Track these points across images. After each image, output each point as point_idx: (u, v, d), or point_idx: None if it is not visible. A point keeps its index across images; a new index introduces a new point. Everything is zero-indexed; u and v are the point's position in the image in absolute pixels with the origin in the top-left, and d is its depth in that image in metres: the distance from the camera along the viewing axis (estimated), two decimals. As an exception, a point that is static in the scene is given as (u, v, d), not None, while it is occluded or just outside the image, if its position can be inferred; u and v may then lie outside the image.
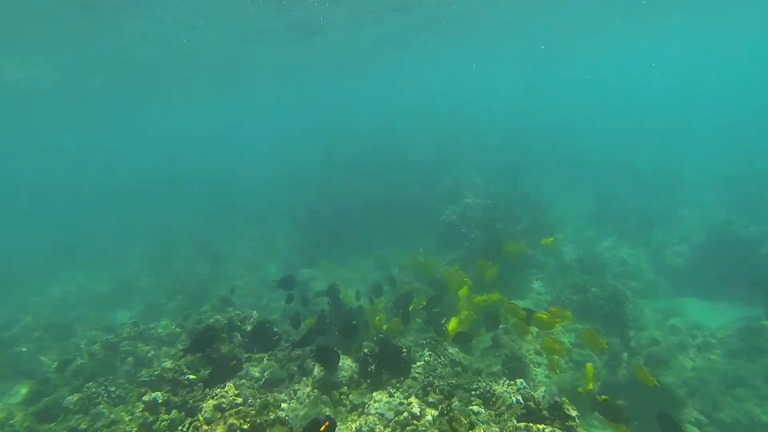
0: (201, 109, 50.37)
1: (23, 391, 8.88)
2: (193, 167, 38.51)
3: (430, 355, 8.38)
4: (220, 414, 4.39)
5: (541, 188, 20.90)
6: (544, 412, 5.19)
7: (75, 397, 7.27)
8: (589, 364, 7.11)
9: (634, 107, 56.16)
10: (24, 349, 11.01)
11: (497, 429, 5.16)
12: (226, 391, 4.63)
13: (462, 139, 29.97)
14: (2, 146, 46.17)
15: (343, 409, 6.36)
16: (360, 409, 6.34)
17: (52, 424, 6.90)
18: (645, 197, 20.68)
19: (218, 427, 4.28)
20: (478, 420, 5.48)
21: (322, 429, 4.23)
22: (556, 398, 5.26)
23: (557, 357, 7.86)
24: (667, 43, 41.65)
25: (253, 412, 4.46)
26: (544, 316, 7.52)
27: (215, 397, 4.53)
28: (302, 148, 34.80)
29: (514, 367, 8.01)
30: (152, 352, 8.65)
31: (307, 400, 7.10)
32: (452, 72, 53.00)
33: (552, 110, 55.24)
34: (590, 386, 6.80)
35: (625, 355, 8.92)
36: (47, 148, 56.81)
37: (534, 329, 8.32)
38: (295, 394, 7.32)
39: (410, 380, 6.80)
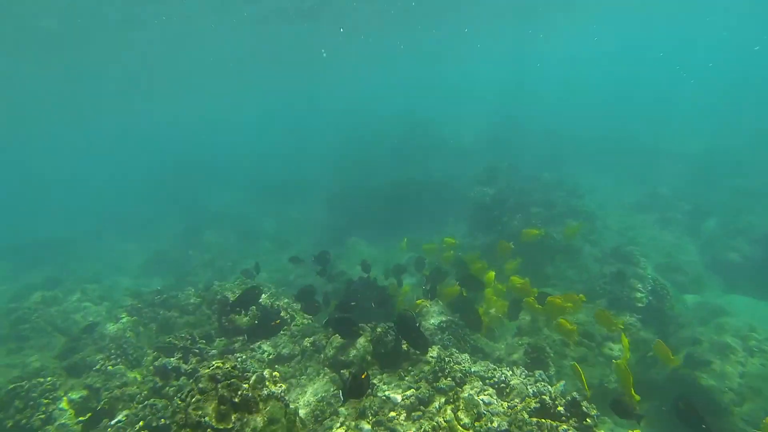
0: (246, 91, 51.33)
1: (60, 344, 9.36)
2: (232, 149, 39.60)
3: (449, 338, 8.03)
4: (213, 385, 4.28)
5: (582, 174, 19.66)
6: (559, 408, 4.75)
7: (97, 356, 7.55)
8: (623, 334, 6.61)
9: (669, 87, 51.22)
10: (64, 307, 11.66)
11: (506, 422, 4.78)
12: (223, 362, 4.51)
13: (499, 124, 28.86)
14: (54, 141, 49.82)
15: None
16: (369, 390, 6.12)
17: (77, 379, 7.20)
18: (695, 184, 18.90)
19: (209, 397, 4.17)
20: (488, 410, 5.12)
21: (363, 376, 4.77)
22: (575, 394, 4.79)
23: (579, 347, 7.37)
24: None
25: (247, 385, 4.31)
26: (557, 300, 7.06)
27: (211, 368, 4.42)
28: (338, 131, 34.66)
29: (537, 358, 7.53)
30: (172, 320, 8.84)
31: (316, 378, 7.00)
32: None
33: (589, 96, 51.81)
34: (627, 355, 6.33)
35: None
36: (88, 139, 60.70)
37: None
38: (306, 370, 7.23)
39: (423, 364, 6.51)
